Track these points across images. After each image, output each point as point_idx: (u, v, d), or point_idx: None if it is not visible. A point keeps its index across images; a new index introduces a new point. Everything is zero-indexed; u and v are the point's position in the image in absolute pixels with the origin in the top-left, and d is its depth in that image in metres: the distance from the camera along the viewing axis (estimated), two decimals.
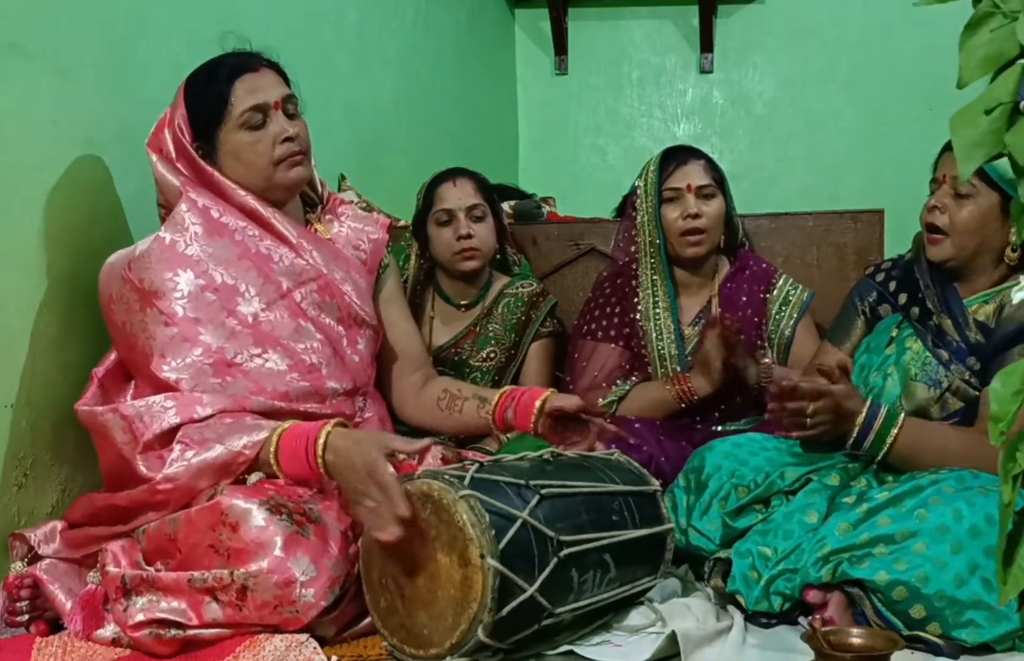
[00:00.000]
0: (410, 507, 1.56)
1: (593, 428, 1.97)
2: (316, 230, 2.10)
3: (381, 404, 2.15)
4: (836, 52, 5.11)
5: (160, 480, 1.74)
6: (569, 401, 1.99)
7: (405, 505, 1.56)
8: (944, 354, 2.05)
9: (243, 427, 1.77)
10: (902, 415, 1.96)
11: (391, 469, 1.60)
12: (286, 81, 2.04)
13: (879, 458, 1.95)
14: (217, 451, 1.75)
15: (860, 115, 5.07)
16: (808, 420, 1.94)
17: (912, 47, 4.85)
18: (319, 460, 1.70)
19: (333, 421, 1.75)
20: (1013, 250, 2.01)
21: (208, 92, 1.99)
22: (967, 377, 2.01)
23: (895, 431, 1.93)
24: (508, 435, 2.44)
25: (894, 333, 2.14)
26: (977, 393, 2.00)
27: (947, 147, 2.08)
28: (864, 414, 1.94)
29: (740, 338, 2.38)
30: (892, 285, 2.20)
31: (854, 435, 1.94)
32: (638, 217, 2.58)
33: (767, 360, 2.51)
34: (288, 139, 1.98)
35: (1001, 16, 0.90)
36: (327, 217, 2.15)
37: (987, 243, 2.03)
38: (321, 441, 1.70)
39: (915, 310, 2.12)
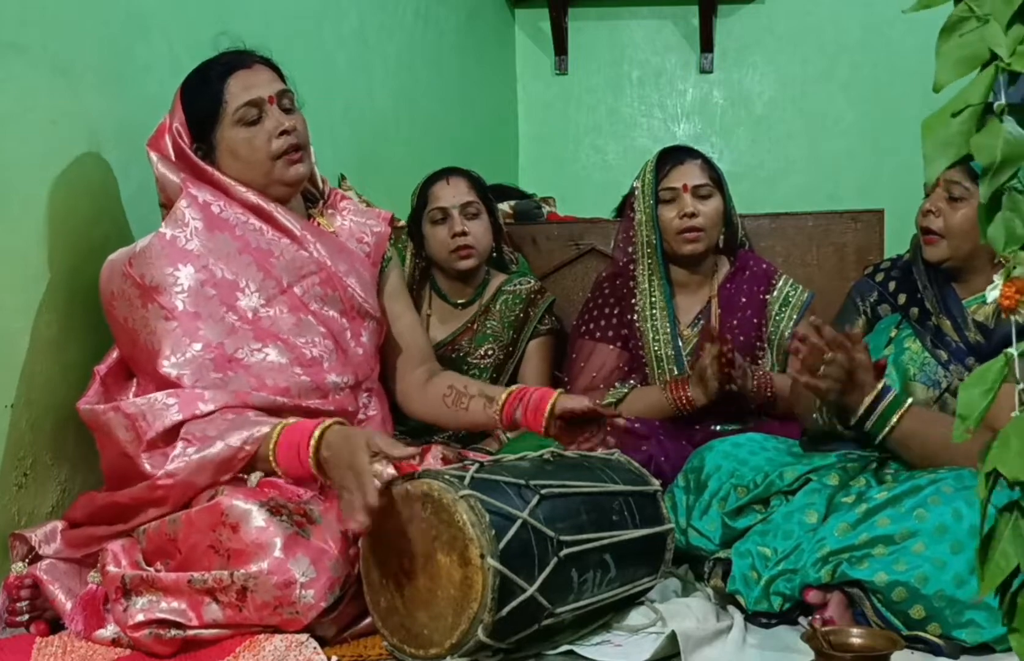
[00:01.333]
0: (380, 498, 1.57)
1: (603, 426, 1.96)
2: (319, 224, 2.10)
3: (385, 402, 2.15)
4: (836, 52, 5.12)
5: (161, 476, 1.74)
6: (578, 402, 1.97)
7: (374, 494, 1.56)
8: (943, 354, 2.05)
9: (245, 423, 1.77)
10: (909, 400, 1.95)
11: (367, 460, 1.59)
12: (280, 77, 2.05)
13: (879, 439, 1.95)
14: (218, 447, 1.75)
15: (860, 115, 5.07)
16: (823, 367, 1.92)
17: (912, 47, 4.81)
18: (311, 456, 1.69)
19: (331, 420, 1.74)
20: None
21: (203, 93, 1.99)
22: (965, 378, 2.01)
23: (899, 414, 1.92)
24: (510, 434, 2.45)
25: (893, 333, 2.14)
26: None
27: None
28: (876, 392, 1.93)
29: (735, 358, 2.36)
30: (891, 285, 2.20)
31: (860, 411, 1.94)
32: (636, 217, 2.58)
33: (762, 365, 2.51)
34: (285, 132, 1.98)
35: (975, 20, 0.91)
36: (329, 211, 2.16)
37: (983, 245, 2.03)
38: (315, 436, 1.70)
39: (914, 310, 2.12)
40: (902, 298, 2.17)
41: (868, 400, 1.93)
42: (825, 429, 2.07)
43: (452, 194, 2.68)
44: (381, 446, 1.62)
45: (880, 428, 1.94)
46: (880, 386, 1.94)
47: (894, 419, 1.93)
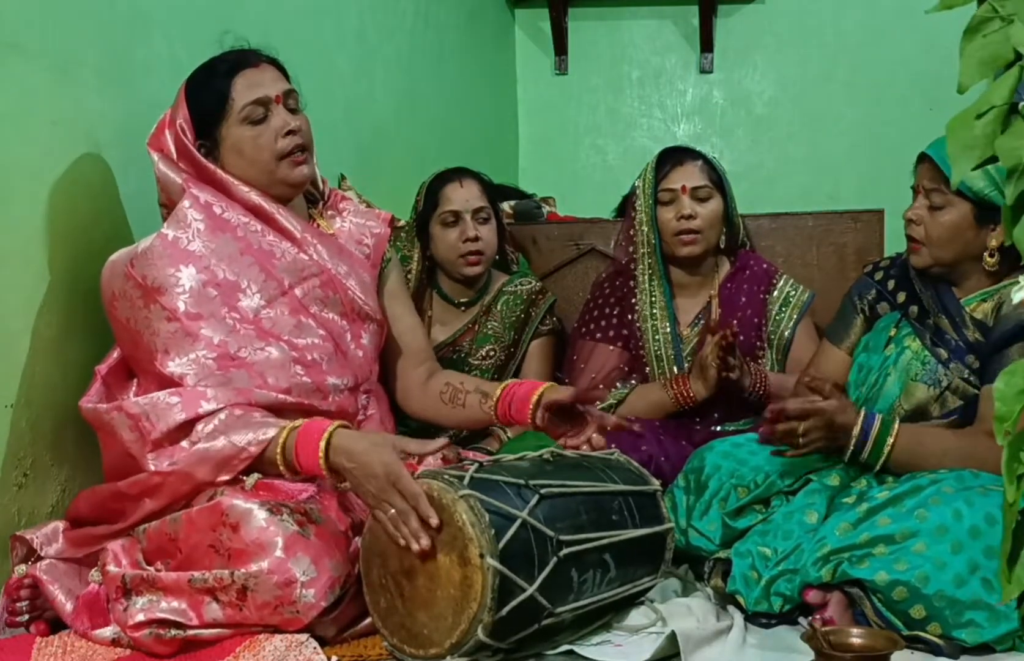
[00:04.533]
0: (437, 517, 1.55)
1: (590, 420, 1.94)
2: (319, 226, 2.10)
3: (384, 402, 2.15)
4: (836, 52, 5.11)
5: (164, 467, 1.74)
6: (563, 393, 1.95)
7: (432, 511, 1.55)
8: (943, 353, 2.05)
9: (250, 423, 1.77)
10: (897, 422, 1.95)
11: (409, 475, 1.59)
12: (286, 76, 2.05)
13: (877, 467, 1.95)
14: (221, 443, 1.75)
15: (860, 115, 5.06)
16: (800, 440, 1.93)
17: (912, 47, 4.84)
18: (323, 463, 1.69)
19: (336, 422, 1.74)
20: (991, 255, 2.00)
21: (208, 89, 1.99)
22: (966, 375, 2.01)
23: (891, 440, 1.93)
24: (509, 433, 2.44)
25: (892, 332, 2.14)
26: (976, 391, 2.00)
27: (922, 157, 2.08)
28: (859, 427, 1.93)
29: (737, 341, 2.37)
30: (891, 284, 2.20)
31: (851, 448, 1.94)
32: (636, 217, 2.58)
33: (762, 365, 2.52)
34: (291, 132, 1.98)
35: (999, 20, 0.90)
36: (329, 213, 2.16)
37: (965, 252, 2.02)
38: (323, 444, 1.69)
39: (914, 308, 2.12)
40: (901, 296, 2.16)
41: (855, 437, 1.93)
42: None
43: (465, 198, 2.67)
44: (412, 449, 1.63)
45: (877, 457, 1.94)
46: (862, 419, 1.94)
47: (887, 446, 1.92)
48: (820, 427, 1.92)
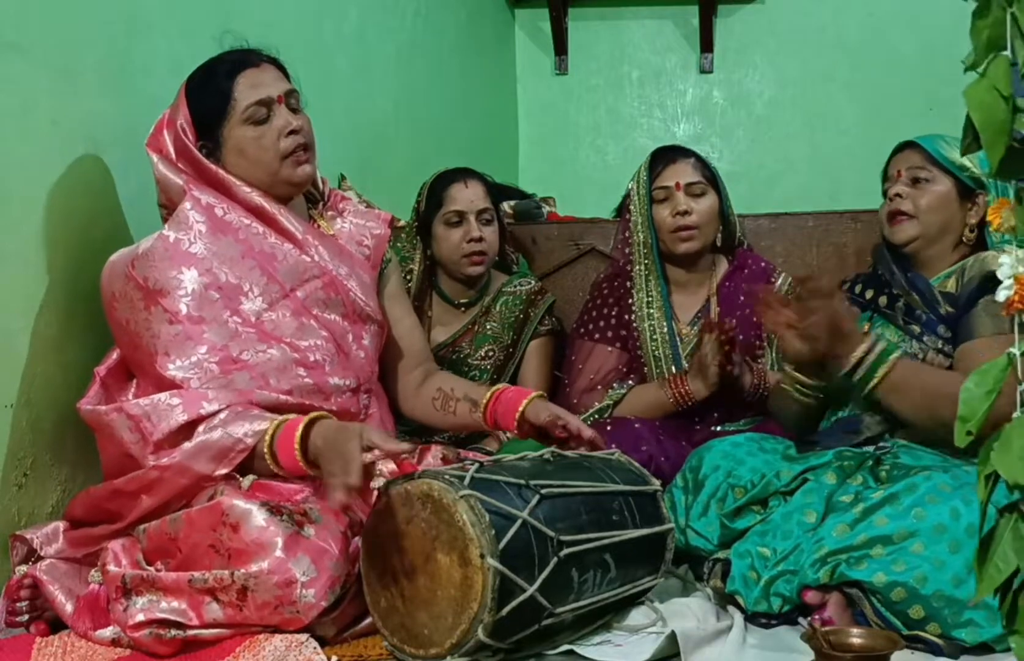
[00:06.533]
0: (360, 481, 1.61)
1: (574, 435, 1.95)
2: (319, 226, 2.10)
3: (384, 401, 2.16)
4: (836, 52, 5.12)
5: (164, 462, 1.75)
6: (542, 414, 1.98)
7: (357, 473, 1.60)
8: (915, 328, 2.12)
9: (247, 417, 1.78)
10: (895, 355, 2.00)
11: (359, 448, 1.63)
12: (287, 76, 2.05)
13: (866, 390, 2.00)
14: (218, 435, 1.76)
15: (860, 115, 5.06)
16: (808, 315, 1.99)
17: (912, 47, 4.85)
18: (298, 448, 1.72)
19: (318, 412, 1.77)
20: (971, 230, 2.14)
21: (210, 90, 1.99)
22: (940, 345, 2.08)
23: (884, 369, 1.98)
24: (507, 434, 2.45)
25: (866, 327, 2.17)
26: (951, 359, 2.06)
27: (896, 150, 2.24)
28: (867, 343, 1.99)
29: (737, 339, 2.38)
30: (858, 288, 2.29)
31: (851, 362, 1.98)
32: (631, 218, 2.59)
33: (763, 365, 2.51)
34: (293, 132, 1.98)
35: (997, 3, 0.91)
36: (329, 213, 2.16)
37: (949, 224, 2.15)
38: (300, 429, 1.73)
39: (882, 299, 2.21)
40: (869, 293, 2.25)
41: (860, 351, 1.99)
42: (804, 406, 2.14)
43: (470, 198, 2.67)
44: (374, 440, 1.65)
45: (868, 379, 1.99)
46: (871, 339, 2.01)
47: (881, 370, 1.98)
48: (827, 318, 1.98)
